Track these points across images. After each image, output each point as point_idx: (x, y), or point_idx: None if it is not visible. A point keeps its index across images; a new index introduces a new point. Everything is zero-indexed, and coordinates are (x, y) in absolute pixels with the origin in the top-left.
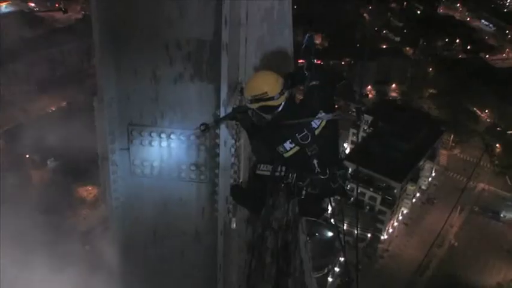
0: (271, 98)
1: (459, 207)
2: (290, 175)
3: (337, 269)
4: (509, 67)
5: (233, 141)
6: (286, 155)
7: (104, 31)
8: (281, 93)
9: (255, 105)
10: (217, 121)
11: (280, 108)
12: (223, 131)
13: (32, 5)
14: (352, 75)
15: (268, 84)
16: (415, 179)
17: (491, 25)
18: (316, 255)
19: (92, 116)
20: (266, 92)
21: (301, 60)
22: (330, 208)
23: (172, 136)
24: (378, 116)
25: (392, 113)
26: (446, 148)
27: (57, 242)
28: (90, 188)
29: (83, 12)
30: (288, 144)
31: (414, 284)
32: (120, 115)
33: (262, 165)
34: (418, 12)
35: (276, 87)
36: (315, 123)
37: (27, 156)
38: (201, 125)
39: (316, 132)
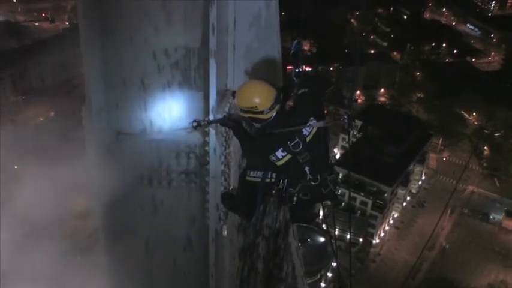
0: (261, 112)
1: (449, 210)
2: (281, 181)
3: (329, 274)
4: (495, 70)
5: (223, 149)
6: (279, 163)
7: (91, 40)
8: (271, 108)
9: (244, 115)
10: (209, 123)
11: (270, 119)
12: (213, 138)
13: (20, 17)
14: (340, 80)
15: (260, 98)
16: (405, 183)
17: (476, 29)
18: (308, 261)
19: (80, 125)
20: (256, 106)
21: (289, 67)
22: (321, 213)
23: (161, 144)
24: (367, 121)
25: (382, 118)
26: (435, 151)
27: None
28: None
29: (67, 23)
30: (280, 153)
31: (407, 287)
32: (109, 124)
33: (252, 172)
34: (405, 17)
35: (267, 101)
36: (305, 131)
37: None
38: (193, 121)
39: (307, 139)
